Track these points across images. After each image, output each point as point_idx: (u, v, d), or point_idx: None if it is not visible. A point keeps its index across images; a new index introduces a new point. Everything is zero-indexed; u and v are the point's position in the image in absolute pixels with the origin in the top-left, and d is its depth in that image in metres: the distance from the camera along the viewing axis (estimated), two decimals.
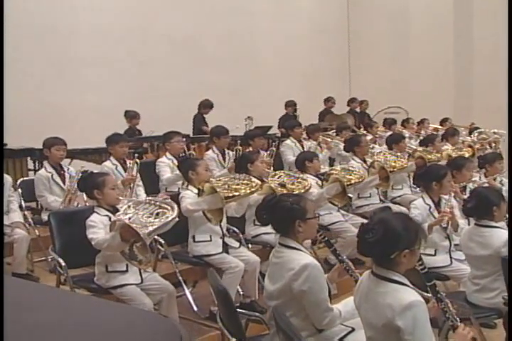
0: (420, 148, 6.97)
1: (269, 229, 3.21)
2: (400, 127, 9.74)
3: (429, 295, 3.58)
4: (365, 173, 5.71)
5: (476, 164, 6.02)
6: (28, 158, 6.47)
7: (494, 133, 8.98)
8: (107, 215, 3.69)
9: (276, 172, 5.29)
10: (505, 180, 5.61)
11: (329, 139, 8.02)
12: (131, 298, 3.55)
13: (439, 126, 10.11)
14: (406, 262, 2.39)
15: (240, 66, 11.55)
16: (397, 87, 13.04)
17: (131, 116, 8.11)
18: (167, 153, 5.98)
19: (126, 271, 3.61)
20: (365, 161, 6.14)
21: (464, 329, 2.51)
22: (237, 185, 4.21)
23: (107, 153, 5.93)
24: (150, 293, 3.63)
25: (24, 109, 8.15)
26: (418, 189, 5.93)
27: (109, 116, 8.42)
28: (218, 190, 4.04)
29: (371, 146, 7.63)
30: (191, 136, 8.15)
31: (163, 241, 4.27)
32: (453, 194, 4.61)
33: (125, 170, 5.46)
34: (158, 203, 3.60)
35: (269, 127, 8.76)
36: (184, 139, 7.82)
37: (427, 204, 4.44)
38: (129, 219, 3.49)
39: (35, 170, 6.32)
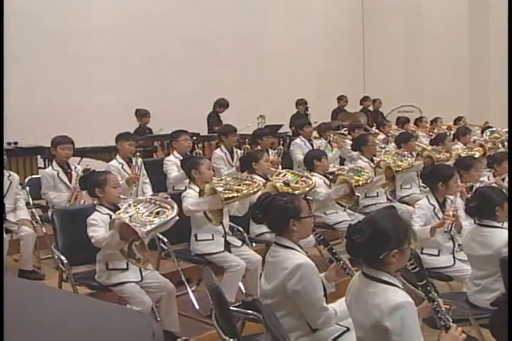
0: (429, 147, 6.92)
1: None
2: (413, 126, 9.67)
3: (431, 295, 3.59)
4: (372, 173, 5.70)
5: (485, 164, 5.96)
6: (39, 157, 6.53)
7: (507, 132, 8.86)
8: (108, 213, 3.72)
9: (281, 170, 5.28)
10: None
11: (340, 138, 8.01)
12: (130, 295, 3.58)
13: (453, 125, 10.01)
14: (396, 262, 2.37)
15: (252, 65, 11.56)
16: (411, 86, 12.96)
17: (142, 114, 8.17)
18: (174, 152, 6.01)
19: (127, 268, 3.63)
20: (372, 160, 6.12)
21: (457, 330, 2.49)
22: (239, 185, 4.21)
23: (115, 151, 5.97)
24: (150, 291, 3.66)
25: (35, 108, 8.26)
26: (428, 188, 5.90)
27: (120, 115, 8.48)
28: (219, 190, 4.05)
29: (382, 146, 7.61)
30: (201, 134, 8.17)
31: (166, 240, 4.30)
32: (459, 194, 4.58)
33: (135, 168, 5.50)
34: (158, 202, 3.63)
35: (280, 126, 8.75)
36: (195, 138, 7.92)
37: (432, 205, 4.39)
38: (130, 217, 3.52)
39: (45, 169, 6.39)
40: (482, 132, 9.13)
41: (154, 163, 6.11)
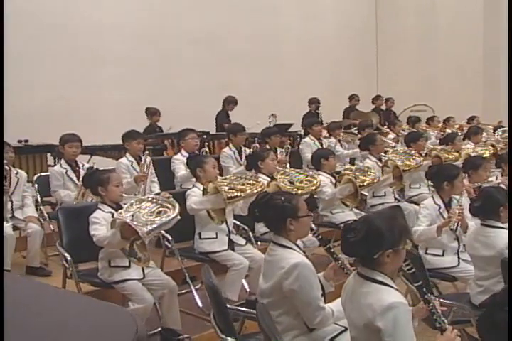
0: (439, 147, 6.87)
1: None
2: (425, 125, 9.61)
3: (433, 297, 3.57)
4: (379, 173, 5.68)
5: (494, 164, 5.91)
6: (49, 154, 6.59)
7: None
8: (110, 212, 3.75)
9: (286, 169, 5.28)
10: None
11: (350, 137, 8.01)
12: (132, 292, 3.61)
13: (466, 124, 9.92)
14: (390, 262, 2.36)
15: (264, 64, 11.55)
16: (424, 85, 12.89)
17: (152, 112, 8.21)
18: (182, 150, 6.04)
19: (129, 266, 3.66)
20: (380, 160, 6.10)
21: (452, 331, 2.47)
22: (243, 185, 4.22)
23: (125, 149, 6.00)
24: (152, 289, 3.68)
25: (47, 106, 8.33)
26: None
27: (132, 113, 8.53)
28: (223, 189, 4.06)
29: (393, 145, 7.57)
30: (211, 133, 8.19)
31: (170, 238, 4.33)
32: (465, 193, 4.55)
33: (144, 167, 5.52)
34: (160, 201, 3.65)
35: (290, 125, 8.74)
36: (205, 136, 7.94)
37: (437, 205, 4.36)
38: (132, 216, 3.55)
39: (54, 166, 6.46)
40: (494, 131, 9.04)
41: (162, 162, 6.13)
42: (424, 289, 2.51)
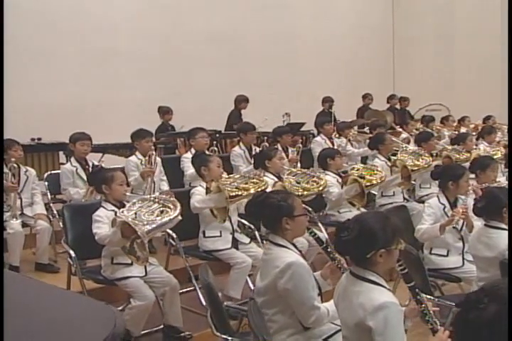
0: (450, 147, 6.81)
1: None
2: (439, 125, 9.53)
3: (430, 297, 3.56)
4: (388, 172, 5.65)
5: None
6: (61, 153, 6.67)
7: None
8: (113, 210, 3.80)
9: (293, 169, 5.27)
10: None
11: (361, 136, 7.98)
12: (134, 289, 3.66)
13: (482, 124, 9.80)
14: (383, 262, 2.36)
15: (278, 62, 11.55)
16: (441, 84, 12.78)
17: (164, 111, 8.27)
18: (192, 149, 6.08)
19: (131, 263, 3.69)
20: (389, 159, 6.08)
21: (444, 333, 2.46)
22: (246, 183, 4.24)
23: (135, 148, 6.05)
24: (153, 286, 3.73)
25: (60, 105, 8.42)
26: None
27: (144, 112, 8.60)
28: (225, 188, 4.08)
29: (403, 145, 7.52)
30: (223, 132, 8.23)
31: (175, 236, 4.36)
32: (471, 193, 4.51)
33: (150, 163, 5.58)
34: (162, 201, 3.68)
35: (302, 124, 8.73)
36: (217, 135, 7.97)
37: (442, 204, 4.33)
38: (135, 214, 3.58)
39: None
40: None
41: (172, 160, 6.20)
42: (417, 290, 2.51)
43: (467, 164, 5.60)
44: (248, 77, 10.78)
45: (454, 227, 4.22)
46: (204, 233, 4.38)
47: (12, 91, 7.70)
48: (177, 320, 3.84)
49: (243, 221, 4.67)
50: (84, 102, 8.75)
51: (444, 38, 13.05)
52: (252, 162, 6.33)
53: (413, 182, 6.16)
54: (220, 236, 4.33)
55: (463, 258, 4.20)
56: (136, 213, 3.59)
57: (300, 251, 3.02)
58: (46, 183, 5.51)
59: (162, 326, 3.94)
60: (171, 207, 3.65)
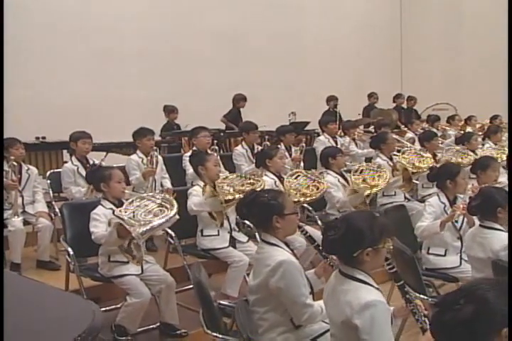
0: (456, 147, 6.76)
1: None
2: (445, 124, 9.50)
3: (424, 297, 3.56)
4: (389, 172, 5.62)
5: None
6: (65, 151, 6.71)
7: None
8: (111, 208, 3.83)
9: (296, 170, 5.23)
10: None
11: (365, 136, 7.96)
12: (130, 287, 3.69)
13: (489, 124, 9.74)
14: (370, 261, 2.36)
15: (286, 62, 11.56)
16: (449, 84, 12.74)
17: (169, 110, 8.30)
18: (194, 148, 6.11)
19: (128, 261, 3.72)
20: (391, 159, 6.06)
21: None
22: (242, 185, 4.25)
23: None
24: (150, 284, 3.76)
25: (65, 104, 8.48)
26: None
27: (150, 111, 8.63)
28: (221, 192, 4.10)
29: (408, 145, 7.50)
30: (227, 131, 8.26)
31: (173, 234, 4.39)
32: (471, 193, 4.50)
33: (152, 163, 5.62)
34: (159, 201, 3.70)
35: (307, 123, 8.73)
36: (221, 134, 8.00)
37: (442, 203, 4.32)
38: (133, 213, 3.61)
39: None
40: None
41: (175, 159, 6.23)
42: (406, 289, 2.52)
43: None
44: (254, 76, 10.80)
45: (453, 225, 4.21)
46: (202, 232, 4.41)
47: (18, 90, 7.80)
48: (173, 317, 3.87)
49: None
50: (90, 101, 8.80)
51: (452, 37, 13.01)
52: (254, 161, 6.38)
53: (416, 181, 6.14)
54: (218, 235, 4.35)
55: (460, 258, 4.19)
56: (133, 212, 3.61)
57: (292, 250, 3.04)
58: (48, 181, 5.56)
59: (159, 323, 3.97)
60: (168, 206, 3.66)
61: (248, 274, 4.29)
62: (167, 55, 9.92)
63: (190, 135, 6.31)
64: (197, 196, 4.29)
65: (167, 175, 5.82)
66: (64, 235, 4.13)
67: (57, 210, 5.33)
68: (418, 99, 11.68)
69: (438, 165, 5.85)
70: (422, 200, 6.12)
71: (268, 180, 4.99)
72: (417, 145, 7.28)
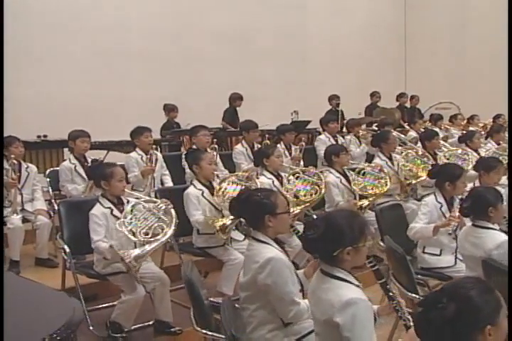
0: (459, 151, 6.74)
1: None
2: (448, 123, 9.48)
3: (415, 295, 3.57)
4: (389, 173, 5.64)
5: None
6: (66, 149, 6.75)
7: None
8: (109, 207, 3.85)
9: (296, 171, 5.20)
10: None
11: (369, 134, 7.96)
12: (124, 284, 3.74)
13: (492, 123, 9.72)
14: (350, 259, 2.38)
15: (290, 60, 11.56)
16: (453, 83, 12.70)
17: (169, 109, 8.33)
18: (193, 147, 6.13)
19: None
20: (390, 158, 6.07)
21: None
22: (234, 191, 4.25)
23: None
24: (144, 281, 3.78)
25: (67, 102, 8.53)
26: None
27: (152, 109, 8.64)
28: (211, 223, 4.20)
29: (408, 150, 7.48)
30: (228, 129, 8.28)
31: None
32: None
33: (151, 161, 5.65)
34: (159, 213, 3.74)
35: (308, 122, 8.74)
36: (222, 133, 8.01)
37: (439, 203, 4.30)
38: (132, 230, 3.66)
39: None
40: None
41: (174, 157, 6.25)
42: (388, 286, 2.53)
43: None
44: (256, 75, 10.81)
45: (449, 234, 4.21)
46: (198, 230, 4.43)
47: (20, 89, 7.85)
48: (167, 315, 3.90)
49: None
50: (91, 100, 8.83)
51: (456, 36, 12.98)
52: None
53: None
54: (214, 233, 4.36)
55: (455, 258, 4.19)
56: (132, 223, 3.67)
57: (284, 248, 3.05)
58: (48, 179, 5.61)
59: (154, 321, 3.99)
60: (168, 221, 3.71)
61: None
62: (169, 54, 9.94)
63: (190, 134, 6.32)
64: (196, 210, 4.33)
65: (167, 172, 5.86)
66: (61, 233, 4.16)
67: (56, 208, 5.37)
68: (422, 98, 11.66)
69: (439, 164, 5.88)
70: (421, 200, 6.13)
71: (265, 181, 5.01)
72: (420, 145, 7.26)
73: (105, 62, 9.14)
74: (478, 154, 6.76)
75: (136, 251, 3.51)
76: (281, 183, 5.11)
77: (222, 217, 4.33)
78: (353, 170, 5.65)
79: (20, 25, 8.16)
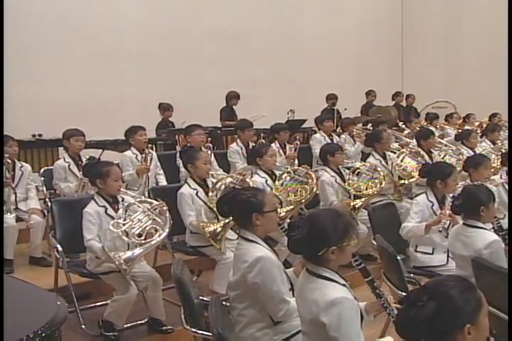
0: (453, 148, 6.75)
1: None
2: (444, 122, 9.49)
3: (405, 294, 3.57)
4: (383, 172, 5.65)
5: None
6: (61, 149, 6.76)
7: None
8: (104, 206, 3.85)
9: (288, 171, 5.21)
10: None
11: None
12: (116, 283, 3.75)
13: (487, 122, 9.73)
14: (335, 259, 2.38)
15: (286, 59, 11.55)
16: (450, 82, 12.73)
17: (164, 108, 8.34)
18: (189, 145, 6.13)
19: None
20: (384, 157, 6.08)
21: None
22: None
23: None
24: (136, 280, 3.79)
25: (63, 102, 8.53)
26: None
27: (147, 109, 8.65)
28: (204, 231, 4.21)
29: (407, 141, 7.51)
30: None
31: None
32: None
33: (146, 160, 5.66)
34: (153, 215, 3.74)
35: (303, 121, 8.75)
36: (218, 131, 8.03)
37: (430, 202, 4.32)
38: (125, 231, 3.67)
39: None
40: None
41: (169, 156, 6.25)
42: (375, 284, 2.54)
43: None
44: (253, 74, 10.81)
45: (439, 231, 4.22)
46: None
47: (16, 88, 7.84)
48: (159, 313, 3.91)
49: None
50: (87, 99, 8.83)
51: (453, 35, 12.99)
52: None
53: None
54: None
55: (448, 256, 4.20)
56: (126, 230, 3.68)
57: (272, 247, 3.07)
58: (42, 178, 5.62)
59: (147, 319, 4.01)
60: (161, 223, 3.72)
61: None
62: (165, 54, 9.94)
63: (184, 133, 6.33)
64: (191, 210, 4.34)
65: (162, 172, 5.87)
66: (53, 231, 4.16)
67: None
68: (418, 97, 11.67)
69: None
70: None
71: (258, 180, 5.01)
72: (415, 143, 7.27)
73: (100, 62, 9.14)
74: (474, 153, 6.77)
75: (127, 254, 3.51)
76: (275, 182, 5.12)
77: (217, 218, 4.33)
78: (348, 168, 5.67)
79: (17, 25, 8.15)
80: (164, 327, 3.91)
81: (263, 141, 6.89)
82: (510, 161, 5.19)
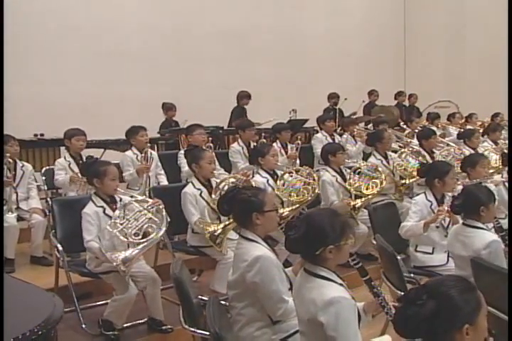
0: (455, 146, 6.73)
1: None
2: (446, 122, 9.48)
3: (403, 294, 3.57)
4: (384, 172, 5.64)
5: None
6: (62, 148, 6.77)
7: None
8: (102, 206, 3.85)
9: (290, 171, 5.20)
10: None
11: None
12: (116, 283, 3.75)
13: (490, 121, 9.72)
14: (333, 258, 2.39)
15: (288, 59, 11.57)
16: (452, 81, 12.72)
17: (168, 107, 8.34)
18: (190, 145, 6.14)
19: None
20: (386, 157, 6.07)
21: None
22: None
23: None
24: (135, 280, 3.80)
25: (65, 101, 8.55)
26: None
27: (150, 108, 8.66)
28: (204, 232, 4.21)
29: (408, 140, 7.50)
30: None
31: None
32: (459, 190, 4.50)
33: (146, 160, 5.67)
34: (148, 214, 3.74)
35: (305, 120, 8.74)
36: (220, 131, 8.02)
37: (429, 201, 4.32)
38: (124, 230, 3.67)
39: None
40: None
41: (170, 156, 6.25)
42: (373, 283, 2.55)
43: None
44: (256, 73, 10.82)
45: (441, 224, 4.22)
46: (192, 229, 4.44)
47: (17, 88, 7.86)
48: (158, 313, 3.92)
49: None
50: (89, 99, 8.86)
51: (456, 35, 13.00)
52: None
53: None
54: None
55: (448, 256, 4.20)
56: (123, 229, 3.68)
57: (271, 247, 3.07)
58: (44, 178, 5.63)
59: (147, 318, 4.02)
60: (158, 221, 3.72)
61: None
62: (168, 53, 9.96)
63: (185, 132, 6.33)
64: (194, 211, 4.34)
65: (163, 172, 5.87)
66: (54, 231, 4.17)
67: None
68: (421, 97, 11.67)
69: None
70: None
71: (259, 180, 5.02)
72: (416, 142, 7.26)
73: (102, 61, 9.15)
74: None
75: (124, 254, 3.50)
76: (276, 182, 5.12)
77: (219, 219, 4.34)
78: (350, 168, 5.67)
79: (17, 25, 8.17)
80: (164, 327, 3.91)
81: (264, 140, 6.88)
82: (510, 161, 5.18)
